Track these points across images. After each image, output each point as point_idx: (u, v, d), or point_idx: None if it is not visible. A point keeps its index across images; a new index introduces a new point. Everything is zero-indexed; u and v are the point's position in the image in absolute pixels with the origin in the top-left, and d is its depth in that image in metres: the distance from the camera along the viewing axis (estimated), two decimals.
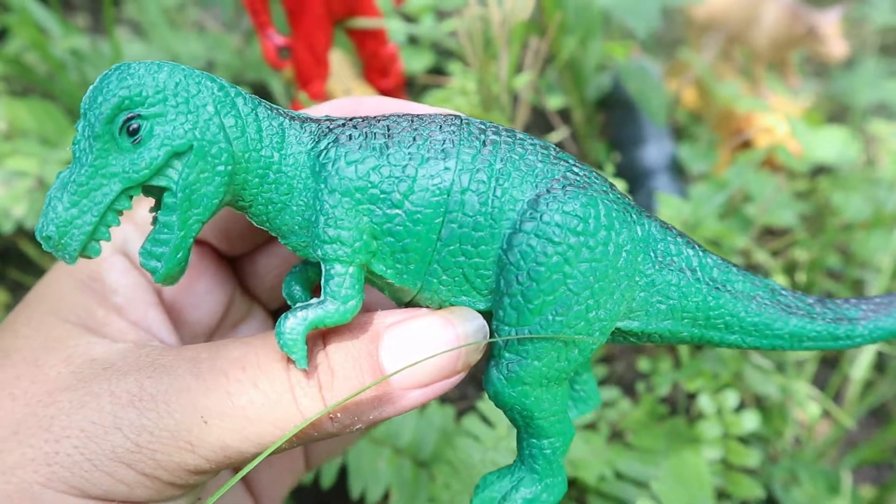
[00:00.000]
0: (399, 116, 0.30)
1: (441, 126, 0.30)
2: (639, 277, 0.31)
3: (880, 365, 0.75)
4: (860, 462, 0.66)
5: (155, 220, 0.28)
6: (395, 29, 0.67)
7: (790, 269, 0.75)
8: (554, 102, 0.84)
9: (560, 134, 0.82)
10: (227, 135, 0.28)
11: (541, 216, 0.29)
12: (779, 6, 0.85)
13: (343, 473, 0.53)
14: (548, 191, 0.29)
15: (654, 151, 0.82)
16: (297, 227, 0.29)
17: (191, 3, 1.00)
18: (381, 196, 0.28)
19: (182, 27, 0.98)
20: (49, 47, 0.68)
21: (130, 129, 0.26)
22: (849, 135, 0.77)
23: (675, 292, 0.32)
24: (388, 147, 0.29)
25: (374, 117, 0.30)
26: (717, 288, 0.33)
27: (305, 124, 0.30)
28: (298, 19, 0.61)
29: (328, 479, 0.52)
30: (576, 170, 0.30)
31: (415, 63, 0.81)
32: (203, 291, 0.36)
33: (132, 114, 0.26)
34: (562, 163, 0.30)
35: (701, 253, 0.33)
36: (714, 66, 0.97)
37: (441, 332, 0.29)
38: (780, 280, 0.70)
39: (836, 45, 0.81)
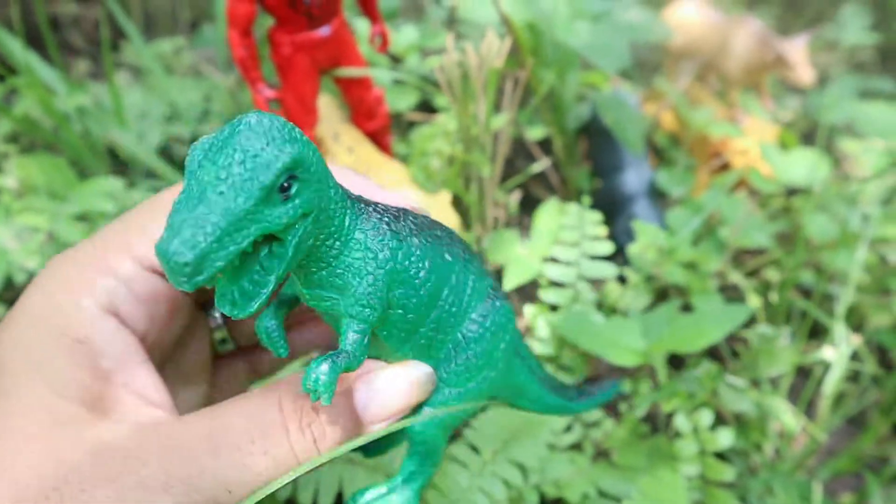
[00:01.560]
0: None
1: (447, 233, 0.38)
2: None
3: (855, 376, 0.78)
4: (836, 472, 0.69)
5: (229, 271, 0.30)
6: (381, 73, 0.71)
7: (764, 289, 0.78)
8: (534, 133, 0.87)
9: (541, 164, 0.86)
10: (335, 203, 0.32)
11: (488, 315, 0.39)
12: (749, 34, 0.89)
13: (339, 498, 0.56)
14: (487, 298, 0.39)
15: (634, 177, 0.85)
16: (327, 285, 0.33)
17: (186, 46, 1.05)
18: (408, 278, 0.35)
19: (178, 71, 1.02)
20: (54, 104, 0.72)
21: (284, 186, 0.29)
22: (818, 156, 0.81)
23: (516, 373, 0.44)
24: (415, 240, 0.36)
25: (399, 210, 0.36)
26: (531, 370, 0.46)
27: (353, 201, 0.34)
28: (287, 73, 0.65)
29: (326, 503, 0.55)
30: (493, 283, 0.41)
31: (401, 102, 0.85)
32: (175, 322, 0.38)
33: (293, 175, 0.29)
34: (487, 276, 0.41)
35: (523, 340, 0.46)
36: (691, 90, 1.01)
37: (402, 378, 0.35)
38: (753, 301, 0.73)
39: (803, 71, 0.85)
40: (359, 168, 0.68)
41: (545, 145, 0.92)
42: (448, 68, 0.66)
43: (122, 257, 0.33)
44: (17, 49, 0.73)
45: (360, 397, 0.34)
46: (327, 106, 0.76)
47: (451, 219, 0.65)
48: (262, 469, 0.31)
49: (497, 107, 0.75)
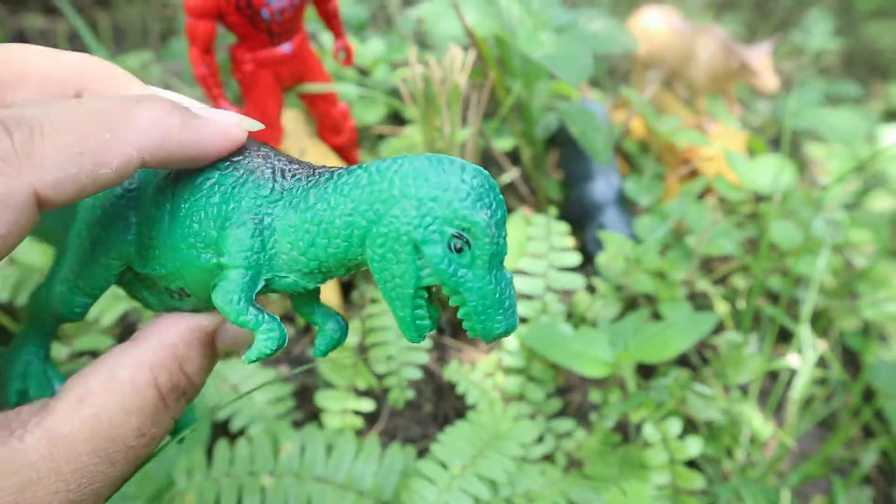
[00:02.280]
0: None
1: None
2: None
3: (824, 380, 0.79)
4: (806, 476, 0.69)
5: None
6: (344, 88, 0.71)
7: (732, 296, 0.79)
8: (503, 144, 0.88)
9: (510, 175, 0.86)
10: None
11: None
12: (713, 42, 0.90)
13: None
14: None
15: (603, 186, 0.86)
16: None
17: (154, 60, 1.04)
18: None
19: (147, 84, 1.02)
20: None
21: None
22: (782, 162, 0.82)
23: None
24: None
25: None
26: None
27: None
28: (249, 90, 0.65)
29: None
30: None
31: (369, 115, 0.85)
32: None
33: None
34: None
35: None
36: (658, 98, 1.02)
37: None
38: (721, 308, 0.74)
39: (767, 79, 0.86)
40: None
41: (514, 155, 0.92)
42: (411, 81, 0.66)
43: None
44: None
45: (224, 335, 0.35)
46: (294, 121, 0.76)
47: None
48: (148, 452, 0.32)
49: (464, 119, 0.75)
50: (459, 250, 0.29)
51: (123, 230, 0.34)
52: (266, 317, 0.31)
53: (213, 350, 0.35)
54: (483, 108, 0.72)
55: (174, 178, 0.33)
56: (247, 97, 0.66)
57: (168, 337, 0.33)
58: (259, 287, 0.31)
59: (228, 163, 0.33)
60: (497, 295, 0.30)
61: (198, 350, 0.34)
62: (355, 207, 0.30)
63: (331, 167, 0.32)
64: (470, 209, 0.29)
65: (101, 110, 0.29)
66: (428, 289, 0.30)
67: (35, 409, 0.31)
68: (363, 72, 0.91)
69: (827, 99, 1.20)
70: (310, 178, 0.32)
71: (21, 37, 1.22)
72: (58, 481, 0.29)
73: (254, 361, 0.32)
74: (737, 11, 1.42)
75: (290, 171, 0.32)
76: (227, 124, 0.32)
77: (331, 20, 0.68)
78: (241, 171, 0.32)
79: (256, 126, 0.34)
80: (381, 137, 0.89)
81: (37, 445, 0.29)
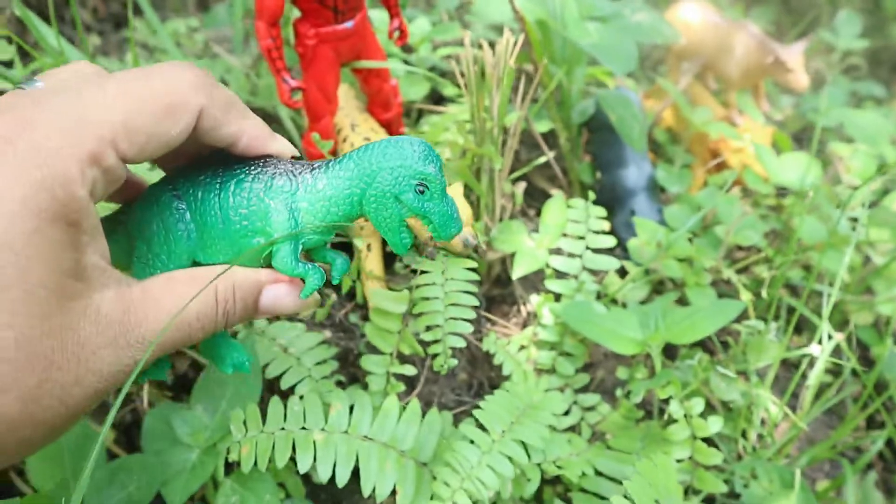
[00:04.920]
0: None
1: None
2: None
3: (837, 370, 0.83)
4: (813, 459, 0.73)
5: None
6: (397, 66, 0.73)
7: (755, 285, 0.82)
8: (541, 127, 0.90)
9: (546, 156, 0.89)
10: None
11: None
12: (748, 38, 0.92)
13: (356, 474, 0.59)
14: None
15: (635, 173, 0.89)
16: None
17: (199, 26, 1.06)
18: None
19: (190, 51, 1.04)
20: None
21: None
22: (810, 160, 0.85)
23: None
24: None
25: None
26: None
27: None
28: (310, 63, 0.68)
29: (342, 479, 0.58)
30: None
31: (412, 92, 0.87)
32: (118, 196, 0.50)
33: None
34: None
35: None
36: (690, 88, 1.04)
37: (292, 295, 0.47)
38: (744, 296, 0.77)
39: (799, 77, 0.89)
40: None
41: (549, 138, 0.95)
42: (465, 63, 0.68)
43: (107, 148, 0.38)
44: (50, 33, 0.75)
45: (266, 297, 0.46)
46: (345, 95, 0.78)
47: (464, 208, 0.68)
48: (199, 336, 0.43)
49: (509, 100, 0.78)
50: (422, 192, 0.44)
51: (185, 237, 0.47)
52: (311, 266, 0.46)
53: (255, 303, 0.46)
54: (532, 92, 0.74)
55: (216, 193, 0.46)
56: (307, 70, 0.68)
57: (235, 273, 0.45)
58: (299, 249, 0.46)
59: (257, 168, 0.46)
60: (449, 212, 0.46)
61: (245, 291, 0.45)
62: (351, 183, 0.45)
63: (323, 160, 0.47)
64: (423, 166, 0.44)
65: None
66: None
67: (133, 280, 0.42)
68: (407, 49, 0.93)
69: (852, 97, 1.22)
70: (313, 171, 0.46)
71: None
72: (147, 325, 0.40)
73: (308, 295, 0.46)
74: (765, 6, 1.44)
75: (297, 169, 0.46)
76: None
77: (389, 0, 0.71)
78: (267, 176, 0.46)
79: (293, 152, 0.48)
80: (420, 114, 0.92)
81: (137, 294, 0.41)
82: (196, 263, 0.47)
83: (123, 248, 0.49)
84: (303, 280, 0.46)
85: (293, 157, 0.48)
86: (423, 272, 0.66)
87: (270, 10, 0.63)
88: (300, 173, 0.46)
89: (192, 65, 0.43)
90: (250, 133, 0.45)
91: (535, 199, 0.95)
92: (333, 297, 0.76)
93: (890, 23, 1.41)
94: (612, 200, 0.89)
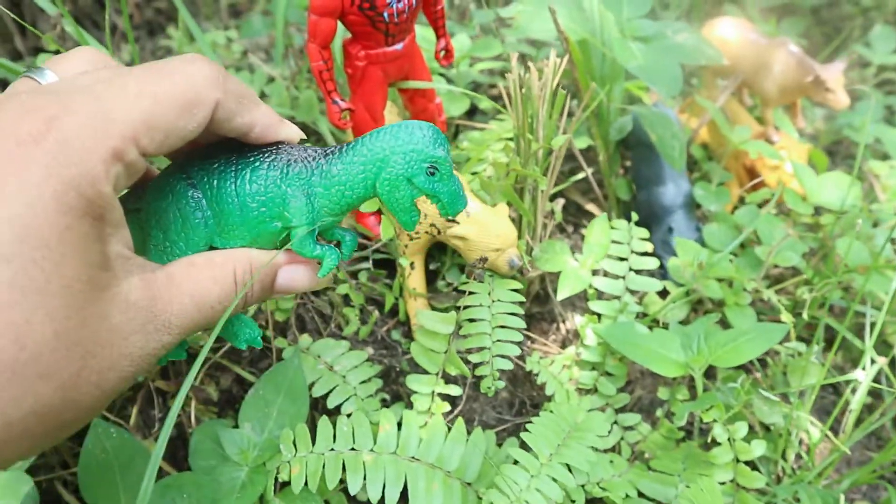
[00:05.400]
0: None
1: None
2: None
3: (878, 393, 0.83)
4: (855, 483, 0.73)
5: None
6: (442, 87, 0.74)
7: (794, 306, 0.82)
8: (579, 143, 0.91)
9: (584, 173, 0.89)
10: None
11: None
12: (786, 56, 0.92)
13: (403, 493, 0.60)
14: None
15: (673, 190, 0.89)
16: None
17: (234, 39, 1.07)
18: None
19: (227, 62, 1.05)
20: None
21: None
22: (851, 180, 0.84)
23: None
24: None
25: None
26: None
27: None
28: (359, 84, 0.68)
29: (392, 501, 0.59)
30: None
31: (452, 109, 0.88)
32: None
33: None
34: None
35: None
36: (726, 104, 1.04)
37: (309, 275, 0.50)
38: (786, 318, 0.77)
39: (839, 97, 0.88)
40: None
41: (588, 154, 0.95)
42: (513, 85, 0.69)
43: (129, 146, 0.40)
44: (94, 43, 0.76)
45: (282, 277, 0.49)
46: (389, 113, 0.79)
47: (510, 230, 0.68)
48: (220, 318, 0.45)
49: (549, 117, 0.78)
50: (433, 174, 0.46)
51: (202, 225, 0.48)
52: (327, 248, 0.48)
53: (272, 283, 0.49)
54: (579, 115, 0.75)
55: (232, 181, 0.47)
56: (355, 90, 0.69)
57: (252, 255, 0.47)
58: (315, 232, 0.48)
59: (271, 156, 0.47)
60: (457, 190, 0.48)
61: (263, 273, 0.48)
62: (364, 167, 0.46)
63: (334, 145, 0.48)
64: (433, 150, 0.46)
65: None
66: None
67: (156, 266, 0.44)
68: None
69: (886, 111, 1.22)
70: (327, 156, 0.47)
71: (99, 3, 1.25)
72: (172, 310, 0.43)
73: (325, 275, 0.49)
74: (796, 18, 1.43)
75: (311, 155, 0.48)
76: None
77: (437, 21, 0.71)
78: (282, 163, 0.47)
79: (301, 136, 0.50)
80: (458, 129, 0.93)
81: (161, 280, 0.43)
82: (213, 248, 0.49)
83: (136, 237, 0.49)
84: (319, 261, 0.49)
85: (302, 141, 0.50)
86: (470, 293, 0.67)
87: (323, 33, 0.63)
88: (315, 159, 0.48)
89: (206, 59, 0.44)
90: (262, 122, 0.47)
91: (571, 213, 0.96)
92: (376, 314, 0.77)
93: None
94: (650, 218, 0.89)
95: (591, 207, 0.95)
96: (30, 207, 0.35)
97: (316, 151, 0.48)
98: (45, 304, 0.35)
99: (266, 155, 0.48)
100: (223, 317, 0.45)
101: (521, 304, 0.67)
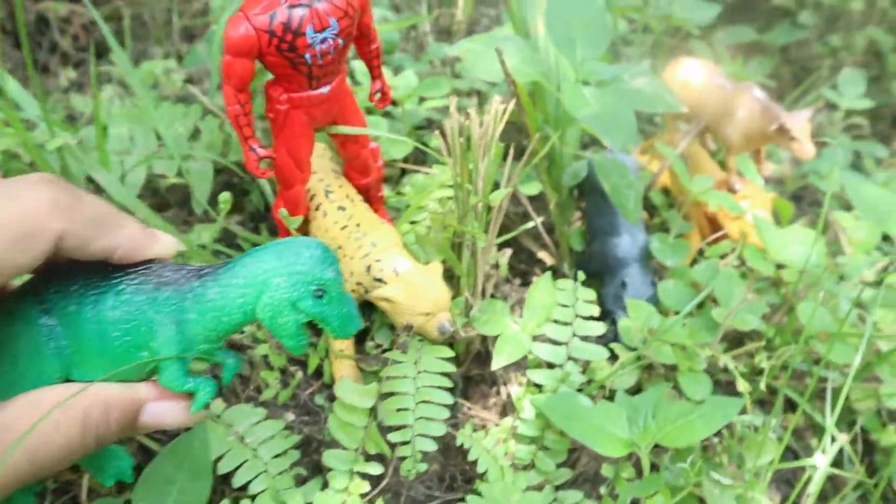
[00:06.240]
0: None
1: None
2: None
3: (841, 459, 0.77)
4: None
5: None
6: (377, 132, 0.68)
7: (753, 370, 0.77)
8: (529, 189, 0.85)
9: (534, 221, 0.83)
10: None
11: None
12: (751, 102, 0.88)
13: None
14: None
15: (628, 242, 0.83)
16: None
17: (174, 69, 1.01)
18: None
19: (167, 91, 0.99)
20: (32, 140, 0.69)
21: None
22: (815, 236, 0.80)
23: None
24: None
25: None
26: None
27: None
28: (281, 129, 0.63)
29: None
30: None
31: (395, 151, 0.82)
32: None
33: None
34: None
35: None
36: (688, 148, 1.00)
37: (176, 411, 0.47)
38: (742, 385, 0.72)
39: (804, 147, 0.84)
40: (349, 229, 0.66)
41: (539, 200, 0.90)
42: (451, 134, 0.63)
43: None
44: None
45: (147, 415, 0.45)
46: (320, 157, 0.73)
47: (442, 293, 0.62)
48: (66, 464, 0.41)
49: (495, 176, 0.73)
50: (320, 297, 0.44)
51: (56, 355, 0.43)
52: (201, 380, 0.45)
53: (134, 422, 0.44)
54: (521, 166, 0.69)
55: (92, 307, 0.43)
56: (277, 136, 0.63)
57: (108, 391, 0.42)
58: (188, 363, 0.44)
59: (137, 278, 0.43)
60: (348, 312, 0.46)
61: (121, 411, 0.43)
62: (244, 290, 0.43)
63: (210, 264, 0.45)
64: (321, 271, 0.43)
65: None
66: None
67: None
68: (393, 102, 0.88)
69: (856, 157, 1.18)
70: (202, 278, 0.44)
71: (43, 22, 1.19)
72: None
73: (199, 409, 0.45)
74: (765, 57, 1.40)
75: (184, 277, 0.44)
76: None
77: (371, 61, 0.66)
78: (150, 287, 0.43)
79: (178, 248, 0.46)
80: (404, 172, 0.87)
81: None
82: (69, 380, 0.44)
83: None
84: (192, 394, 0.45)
85: (178, 252, 0.47)
86: (394, 362, 0.61)
87: (239, 75, 0.57)
88: (187, 281, 0.44)
89: (53, 180, 0.40)
90: (126, 245, 0.43)
91: (522, 261, 0.90)
92: (300, 375, 0.71)
93: (891, 79, 1.37)
94: (603, 270, 0.84)
95: (543, 255, 0.90)
96: None
97: (188, 271, 0.44)
98: None
99: (132, 277, 0.43)
100: (69, 462, 0.40)
101: (449, 375, 0.61)
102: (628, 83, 0.76)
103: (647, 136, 1.13)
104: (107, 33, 0.81)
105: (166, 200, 0.88)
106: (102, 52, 1.27)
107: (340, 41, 0.58)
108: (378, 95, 0.68)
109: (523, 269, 0.90)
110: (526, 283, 0.87)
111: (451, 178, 0.66)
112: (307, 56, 0.57)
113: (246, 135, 0.60)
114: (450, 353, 0.62)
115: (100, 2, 1.32)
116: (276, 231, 0.76)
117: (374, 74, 0.67)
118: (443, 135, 0.64)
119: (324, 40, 0.56)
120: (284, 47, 0.56)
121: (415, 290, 0.61)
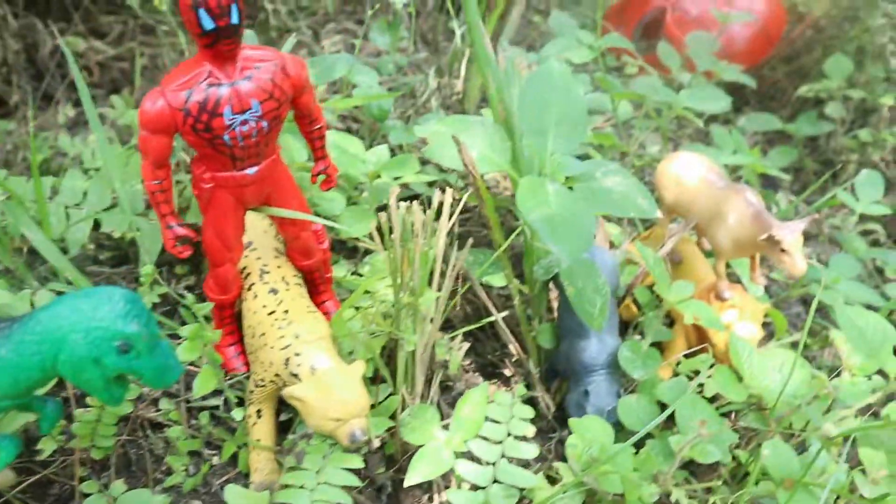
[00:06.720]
0: None
1: None
2: None
3: None
4: None
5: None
6: (316, 219, 0.64)
7: None
8: (497, 280, 0.80)
9: (494, 317, 0.78)
10: None
11: None
12: (743, 206, 0.81)
13: None
14: None
15: (595, 347, 0.77)
16: None
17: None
18: None
19: None
20: None
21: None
22: (795, 360, 0.73)
23: None
24: None
25: None
26: None
27: None
28: (206, 207, 0.59)
29: None
30: None
31: (357, 229, 0.78)
32: None
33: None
34: None
35: None
36: (680, 244, 0.94)
37: None
38: None
39: (794, 261, 0.77)
40: (275, 315, 0.62)
41: (506, 294, 0.85)
42: (384, 226, 0.59)
43: None
44: None
45: None
46: (265, 234, 0.69)
47: (358, 398, 0.57)
48: None
49: (445, 260, 0.68)
50: (126, 351, 0.41)
51: None
52: (2, 439, 0.44)
53: None
54: (465, 260, 0.65)
55: None
56: (204, 214, 0.60)
57: None
58: None
59: None
60: (163, 363, 0.44)
61: None
62: (39, 347, 0.40)
63: (5, 318, 0.42)
64: (124, 326, 0.41)
65: None
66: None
67: None
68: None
69: (866, 266, 1.11)
70: None
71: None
72: None
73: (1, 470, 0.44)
74: (788, 147, 1.34)
75: None
76: None
77: (314, 142, 0.63)
78: None
79: None
80: (367, 252, 0.83)
81: None
82: None
83: None
84: None
85: None
86: (290, 469, 0.56)
87: (156, 151, 0.55)
88: None
89: None
90: None
91: (495, 350, 0.85)
92: (215, 460, 0.66)
93: None
94: (569, 373, 0.78)
95: (513, 348, 0.84)
96: None
97: None
98: None
99: None
100: None
101: (354, 489, 0.56)
102: (600, 181, 0.71)
103: (648, 226, 1.08)
104: (76, 74, 0.78)
105: (126, 254, 0.86)
106: (119, 88, 1.27)
107: (265, 124, 0.54)
108: (321, 178, 0.64)
109: (492, 360, 0.85)
110: (491, 377, 0.81)
111: (388, 274, 0.61)
112: (226, 137, 0.53)
113: (163, 212, 0.57)
114: (358, 464, 0.57)
115: (119, 42, 1.34)
116: None
117: (318, 156, 0.63)
118: (378, 228, 0.60)
119: (244, 122, 0.53)
120: (200, 127, 0.52)
121: (328, 392, 0.56)
